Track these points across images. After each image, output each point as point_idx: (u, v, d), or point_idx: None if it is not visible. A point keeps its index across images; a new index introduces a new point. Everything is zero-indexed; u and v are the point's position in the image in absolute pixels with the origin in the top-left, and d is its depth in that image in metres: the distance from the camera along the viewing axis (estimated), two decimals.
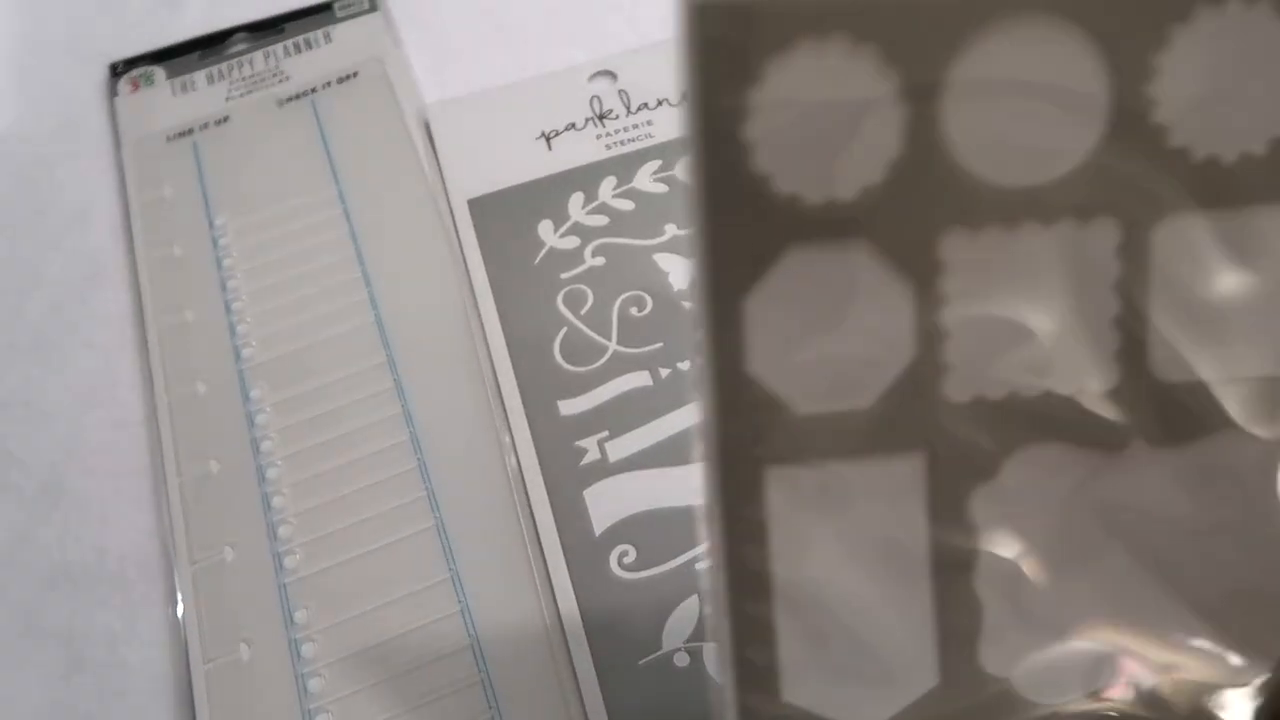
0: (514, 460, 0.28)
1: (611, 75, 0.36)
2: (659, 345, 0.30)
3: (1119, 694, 0.18)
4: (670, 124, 0.34)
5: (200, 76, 0.37)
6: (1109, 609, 0.18)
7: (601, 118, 0.35)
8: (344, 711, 0.25)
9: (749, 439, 0.17)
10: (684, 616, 0.26)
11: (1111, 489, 0.18)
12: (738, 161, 0.15)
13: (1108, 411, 0.17)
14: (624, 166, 0.33)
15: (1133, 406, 0.17)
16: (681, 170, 0.33)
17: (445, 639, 0.26)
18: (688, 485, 0.27)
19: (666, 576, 0.26)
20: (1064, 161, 0.16)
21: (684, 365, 0.29)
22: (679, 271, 0.31)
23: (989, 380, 0.17)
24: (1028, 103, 0.16)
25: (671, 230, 0.32)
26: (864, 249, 0.16)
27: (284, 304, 0.31)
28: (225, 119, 0.35)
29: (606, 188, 0.33)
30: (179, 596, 0.26)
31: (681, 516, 0.27)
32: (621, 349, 0.30)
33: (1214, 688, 0.18)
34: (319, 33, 0.38)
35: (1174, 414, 0.17)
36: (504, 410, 0.29)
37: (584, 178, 0.33)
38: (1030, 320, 0.17)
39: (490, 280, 0.31)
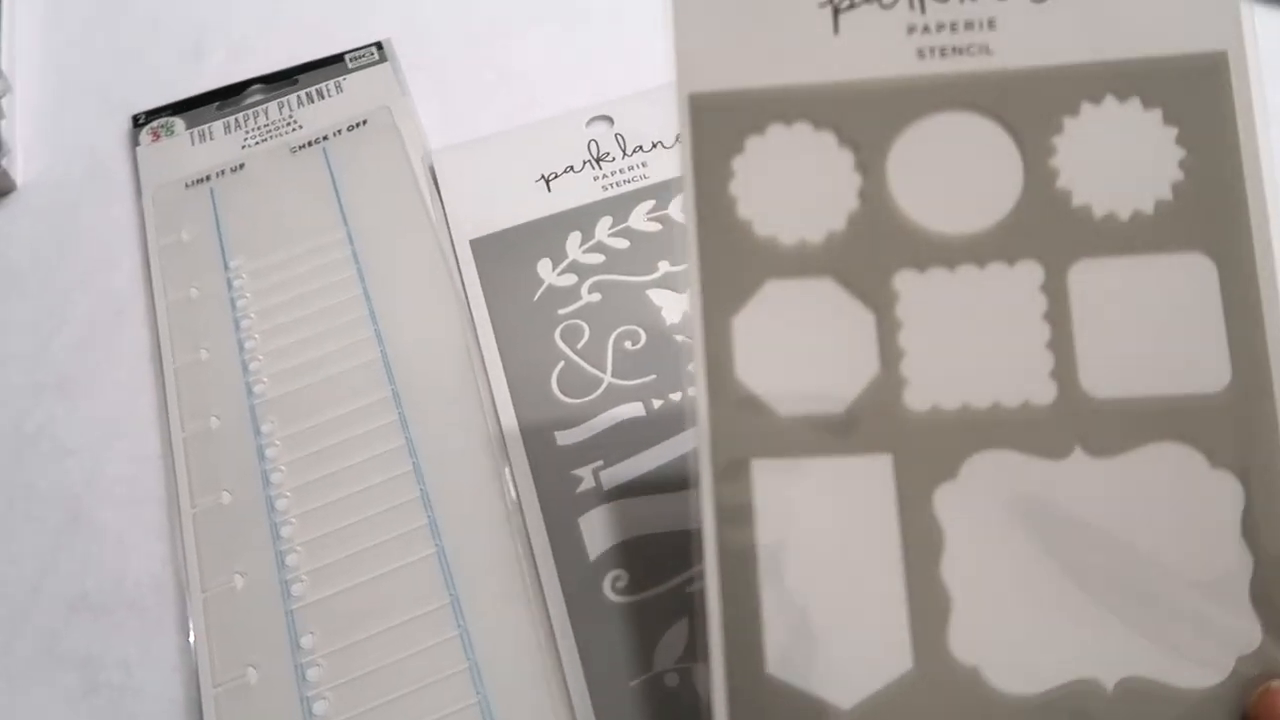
0: (512, 489, 0.29)
1: (609, 119, 0.37)
2: (652, 377, 0.31)
3: (1084, 687, 0.19)
4: (664, 165, 0.35)
5: (218, 126, 0.39)
6: (1067, 605, 0.20)
7: (599, 160, 0.36)
8: None
9: (737, 433, 0.20)
10: (674, 638, 0.27)
11: (1059, 493, 0.20)
12: (724, 210, 0.21)
13: (1050, 423, 0.20)
14: (620, 206, 0.35)
15: (1071, 419, 0.20)
16: (674, 209, 0.34)
17: (445, 662, 0.27)
18: (679, 511, 0.28)
19: (658, 600, 0.27)
20: (990, 216, 0.21)
21: (676, 396, 0.30)
22: (671, 306, 0.32)
23: (944, 393, 0.20)
24: (956, 172, 0.21)
25: (664, 267, 0.33)
26: (830, 281, 0.21)
27: (294, 342, 0.33)
28: (241, 166, 0.37)
29: (603, 227, 0.34)
30: (190, 623, 0.28)
31: (672, 541, 0.28)
32: (616, 381, 0.31)
33: (1171, 686, 0.19)
34: (331, 83, 0.39)
35: (1107, 426, 0.20)
36: (503, 441, 0.30)
37: (581, 218, 0.34)
38: (975, 343, 0.21)
39: (491, 317, 0.32)
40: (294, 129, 0.38)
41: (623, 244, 0.34)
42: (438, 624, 0.27)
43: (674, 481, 0.29)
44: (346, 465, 0.30)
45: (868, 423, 0.21)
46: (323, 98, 0.39)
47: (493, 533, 0.29)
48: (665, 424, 0.30)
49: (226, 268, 0.34)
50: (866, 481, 0.20)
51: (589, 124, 0.37)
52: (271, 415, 0.31)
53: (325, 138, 0.38)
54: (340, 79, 0.39)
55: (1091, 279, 0.20)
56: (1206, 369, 0.20)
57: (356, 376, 0.32)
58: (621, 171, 0.36)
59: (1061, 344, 0.20)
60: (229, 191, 0.36)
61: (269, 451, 0.30)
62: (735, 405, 0.21)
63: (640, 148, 0.36)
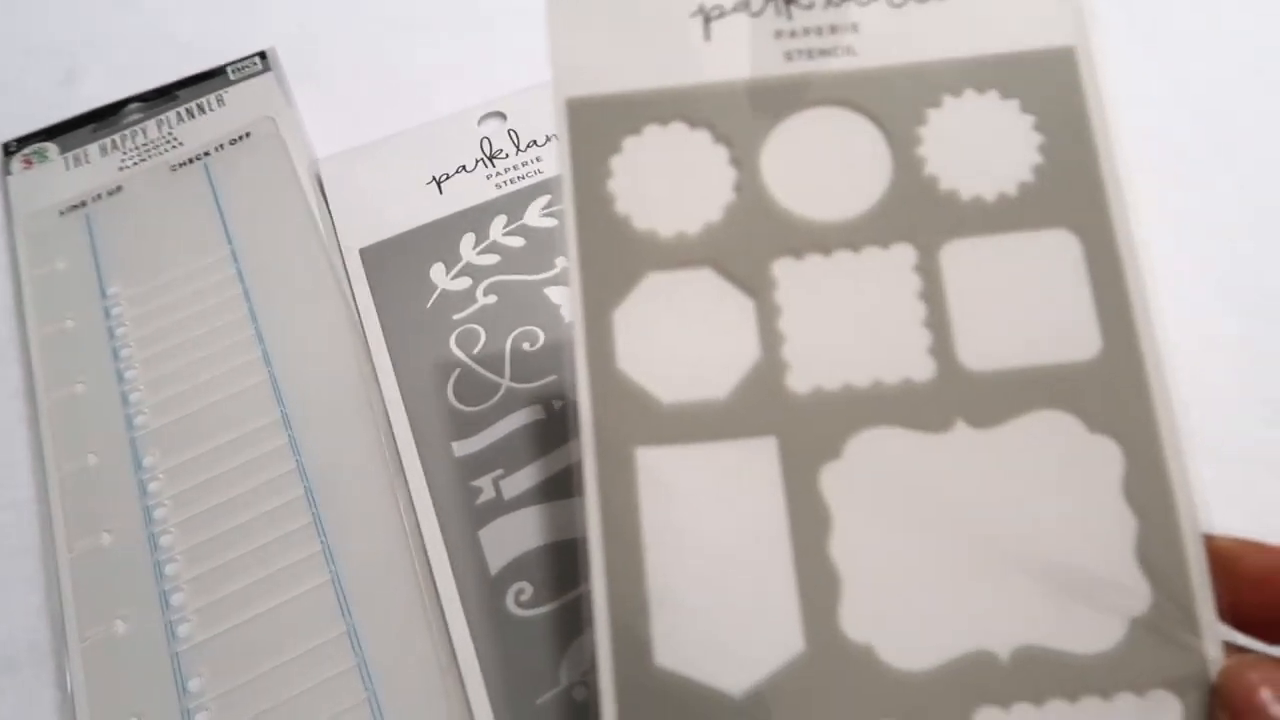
0: (408, 506, 0.28)
1: (501, 116, 0.36)
2: (552, 378, 0.29)
3: (978, 658, 0.19)
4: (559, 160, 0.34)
5: (94, 149, 0.37)
6: (957, 577, 0.20)
7: (492, 158, 0.35)
8: None
9: (620, 423, 0.20)
10: (581, 650, 0.25)
11: (944, 466, 0.20)
12: (603, 207, 0.21)
13: (930, 398, 0.20)
14: (514, 204, 0.33)
15: (951, 393, 0.20)
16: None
17: (342, 695, 0.25)
18: (582, 517, 0.27)
19: (562, 611, 0.26)
20: (862, 203, 0.21)
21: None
22: (570, 304, 0.31)
23: (825, 374, 0.20)
24: (827, 164, 0.21)
25: (562, 263, 0.32)
26: (709, 271, 0.21)
27: (177, 368, 0.31)
28: (118, 189, 0.35)
29: (497, 226, 0.33)
30: (68, 676, 0.26)
31: (576, 549, 0.27)
32: (515, 385, 0.30)
33: (1066, 652, 0.19)
34: (212, 97, 0.38)
35: (986, 398, 0.20)
36: (398, 457, 0.28)
37: (475, 218, 0.33)
38: (853, 324, 0.20)
39: (383, 327, 0.31)
40: (174, 146, 0.36)
41: (518, 242, 0.32)
42: (334, 655, 0.26)
43: (578, 486, 0.28)
44: (234, 494, 0.28)
45: (750, 407, 0.21)
46: (204, 112, 0.37)
47: (390, 554, 0.27)
48: (566, 426, 0.29)
49: (104, 296, 0.33)
50: (751, 465, 0.20)
51: (481, 122, 0.36)
52: (154, 448, 0.29)
53: (207, 153, 0.36)
54: (222, 92, 0.38)
55: (963, 258, 0.21)
56: (1078, 338, 0.20)
57: (243, 400, 0.30)
58: (515, 168, 0.34)
59: (937, 321, 0.21)
60: (106, 216, 0.35)
61: (152, 486, 0.29)
62: (617, 395, 0.21)
63: (534, 142, 0.35)
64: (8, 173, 0.37)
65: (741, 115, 0.22)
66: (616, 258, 0.21)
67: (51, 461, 0.29)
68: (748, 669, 0.19)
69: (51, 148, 0.37)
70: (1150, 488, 0.20)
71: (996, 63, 0.22)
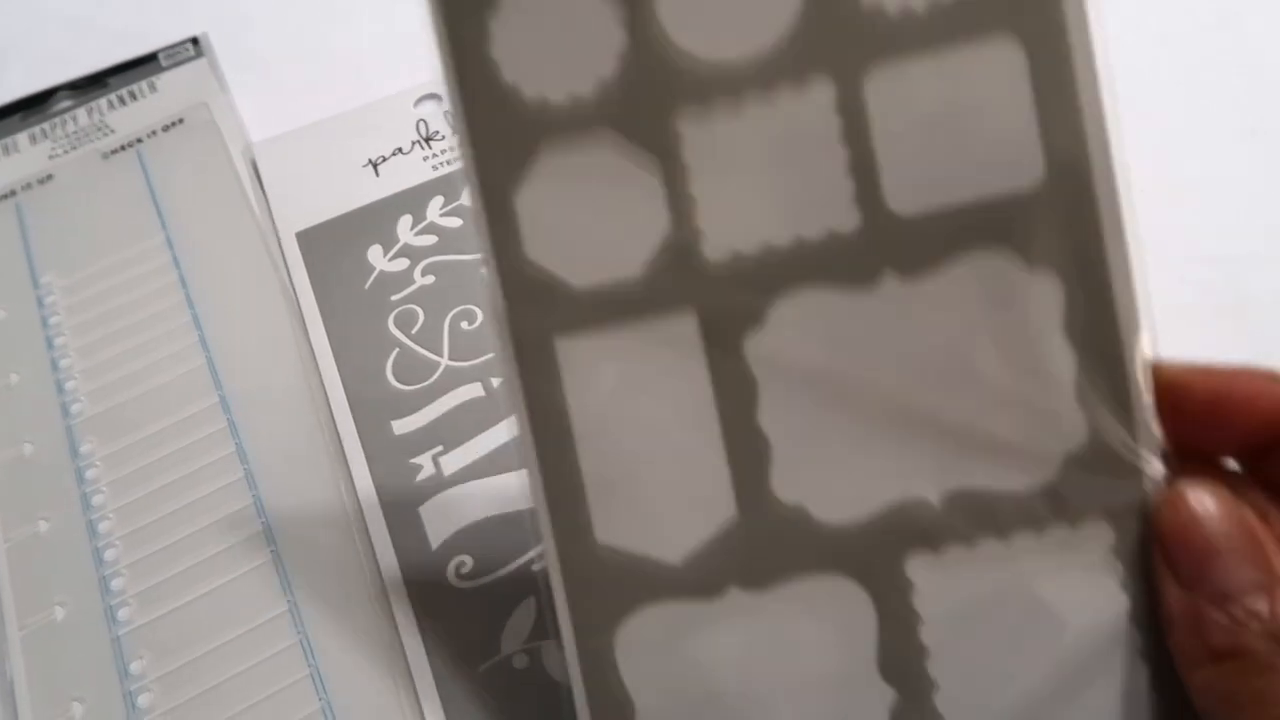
0: (349, 485, 0.28)
1: (437, 97, 0.36)
2: (490, 356, 0.30)
3: (911, 504, 0.20)
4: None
5: (23, 138, 0.36)
6: (889, 430, 0.20)
7: (428, 140, 0.35)
8: None
9: (535, 314, 0.19)
10: (522, 618, 0.26)
11: (873, 320, 0.19)
12: (488, 77, 0.19)
13: (857, 250, 0.19)
14: (451, 185, 0.33)
15: (879, 243, 0.19)
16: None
17: (285, 671, 0.25)
18: (522, 489, 0.27)
19: (503, 581, 0.26)
20: (772, 31, 0.19)
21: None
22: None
23: (742, 236, 0.19)
24: None
25: None
26: (609, 134, 0.19)
27: (114, 355, 0.31)
28: (49, 177, 0.35)
29: (434, 207, 0.33)
30: (7, 663, 0.26)
31: (516, 521, 0.27)
32: (453, 363, 0.30)
33: (1000, 490, 0.19)
34: (144, 83, 0.37)
35: (918, 245, 0.19)
36: (338, 437, 0.29)
37: (412, 200, 0.33)
38: (770, 178, 0.19)
39: (321, 309, 0.31)
40: (106, 134, 0.36)
41: (455, 223, 0.33)
42: (276, 633, 0.26)
43: (516, 460, 0.28)
44: (174, 479, 0.28)
45: (666, 281, 0.20)
46: (135, 99, 0.37)
47: (331, 532, 0.27)
48: (507, 402, 0.29)
49: (36, 285, 0.32)
50: (672, 341, 0.20)
51: (417, 104, 0.36)
52: (91, 435, 0.29)
53: (139, 140, 0.36)
54: (154, 78, 0.37)
55: (889, 89, 0.19)
56: (1018, 165, 0.19)
57: (181, 385, 0.30)
58: (452, 149, 0.34)
59: (862, 165, 0.19)
60: (36, 205, 0.34)
61: (89, 473, 0.29)
62: (528, 285, 0.20)
63: None
64: None
65: None
66: (509, 134, 0.19)
67: None
68: (685, 538, 0.20)
69: None
70: (1093, 319, 0.19)
71: None
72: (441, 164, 0.34)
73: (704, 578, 0.20)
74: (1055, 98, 0.18)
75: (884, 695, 0.20)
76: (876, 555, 0.20)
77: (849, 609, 0.20)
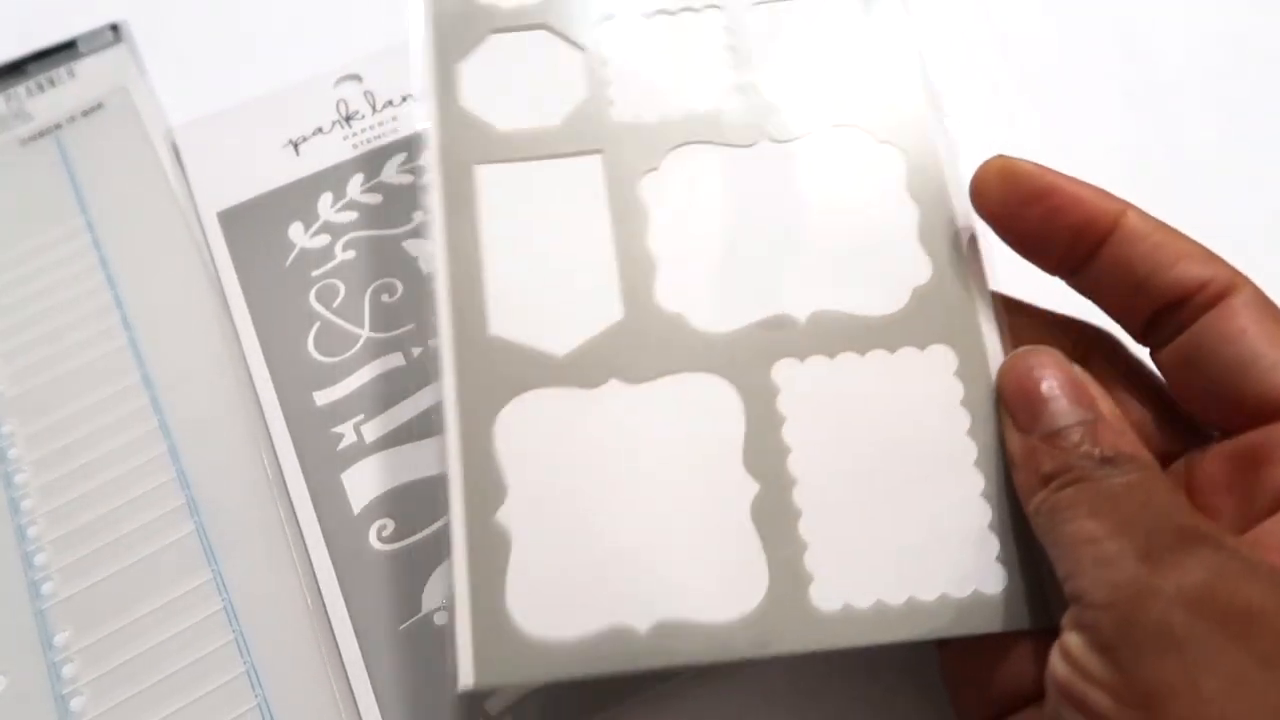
0: (271, 455, 0.28)
1: (357, 78, 0.36)
2: (410, 326, 0.30)
3: (778, 320, 0.23)
4: (414, 119, 0.35)
5: None
6: (762, 260, 0.24)
7: (349, 119, 0.35)
8: None
9: (462, 147, 0.25)
10: (442, 578, 0.26)
11: (750, 172, 0.25)
12: None
13: (737, 121, 0.25)
14: (371, 163, 0.34)
15: (756, 117, 0.25)
16: (426, 160, 0.34)
17: (209, 637, 0.26)
18: (442, 453, 0.28)
19: (424, 543, 0.27)
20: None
21: (434, 342, 0.30)
22: (427, 255, 0.32)
23: (645, 108, 0.26)
24: None
25: (419, 218, 0.32)
26: (544, 31, 0.27)
27: (33, 337, 0.31)
28: None
29: (355, 185, 0.33)
30: None
31: (437, 484, 0.28)
32: (374, 335, 0.30)
33: (857, 314, 0.23)
34: (63, 69, 0.37)
35: (787, 119, 0.25)
36: (260, 409, 0.29)
37: (332, 178, 0.34)
38: (671, 71, 0.26)
39: (242, 286, 0.31)
40: (24, 121, 0.36)
41: (376, 199, 0.33)
42: (200, 601, 0.26)
43: (437, 425, 0.29)
44: (96, 456, 0.29)
45: (579, 130, 0.25)
46: (54, 85, 0.37)
47: (254, 501, 0.28)
48: (426, 371, 0.30)
49: None
50: (580, 176, 0.25)
51: (337, 84, 0.36)
52: (11, 416, 0.29)
53: (58, 126, 0.36)
54: (72, 64, 0.37)
55: (766, 22, 0.27)
56: (866, 69, 0.26)
57: (103, 364, 0.30)
58: (372, 128, 0.35)
59: (742, 66, 0.26)
60: None
61: (11, 453, 0.29)
62: (461, 125, 0.25)
63: (390, 103, 0.35)
64: None
65: None
66: (464, 24, 0.27)
67: None
68: (571, 334, 0.23)
69: None
70: (928, 184, 0.24)
71: None
72: (361, 143, 0.34)
73: (586, 370, 0.23)
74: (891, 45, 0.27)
75: (747, 487, 0.21)
76: (747, 360, 0.23)
77: (719, 406, 0.22)
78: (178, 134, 0.35)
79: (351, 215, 0.33)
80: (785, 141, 0.25)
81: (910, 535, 0.21)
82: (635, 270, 0.23)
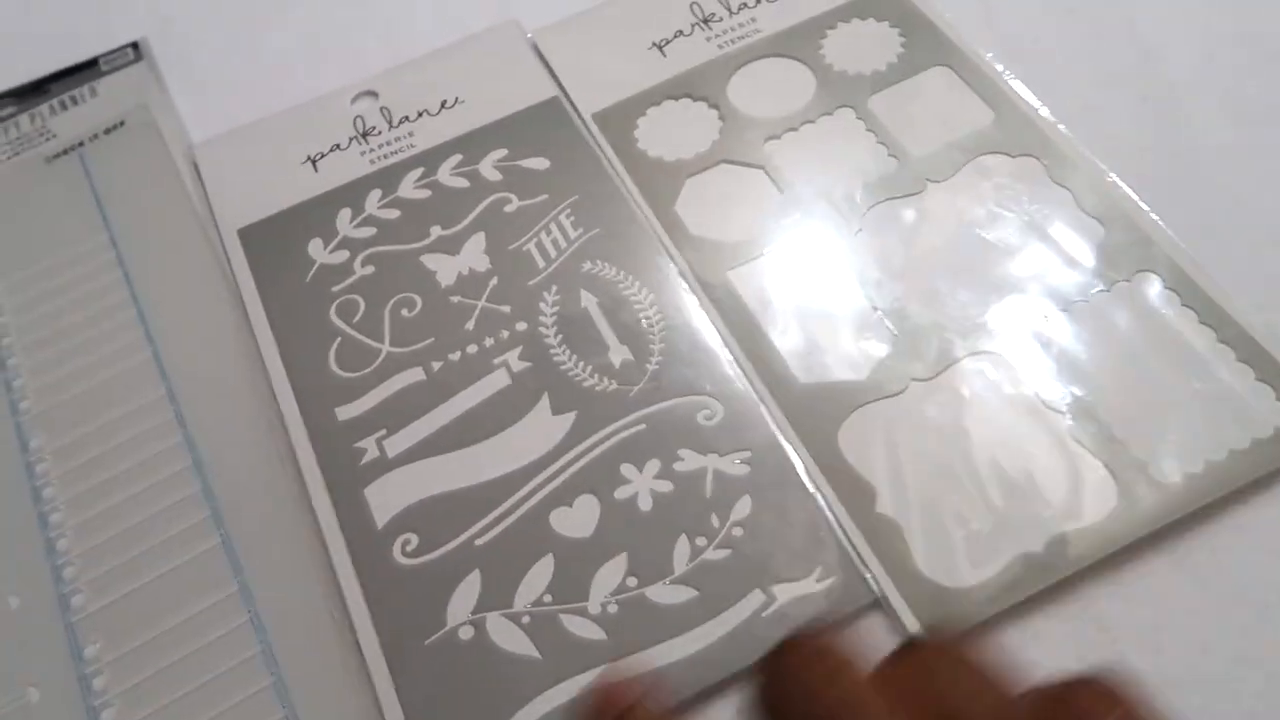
0: (295, 470, 0.29)
1: (373, 95, 0.37)
2: (430, 340, 0.31)
3: None
4: (430, 134, 0.35)
5: None
6: (959, 265, 0.31)
7: (365, 135, 0.36)
8: None
9: (711, 263, 0.32)
10: (467, 592, 0.27)
11: (928, 211, 0.32)
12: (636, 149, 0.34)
13: (904, 175, 0.33)
14: (388, 178, 0.34)
15: (914, 169, 0.33)
16: (443, 175, 0.34)
17: (236, 649, 0.26)
18: (465, 468, 0.28)
19: (448, 556, 0.27)
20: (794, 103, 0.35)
21: (455, 356, 0.30)
22: (446, 269, 0.32)
23: (829, 189, 0.33)
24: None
25: (437, 231, 0.33)
26: (724, 164, 0.34)
27: (60, 352, 0.31)
28: None
29: (372, 200, 0.34)
30: None
31: (459, 498, 0.28)
32: (394, 349, 0.31)
33: None
34: (85, 88, 0.38)
35: (936, 165, 0.33)
36: (283, 424, 0.30)
37: (350, 194, 0.34)
38: (829, 158, 0.34)
39: (263, 302, 0.32)
40: (48, 138, 0.37)
41: (393, 214, 0.34)
42: (226, 613, 0.27)
43: (457, 439, 0.29)
44: (122, 469, 0.29)
45: (785, 221, 0.33)
46: (76, 104, 0.38)
47: (278, 516, 0.28)
48: (446, 385, 0.30)
49: None
50: (796, 250, 0.32)
51: (354, 101, 0.37)
52: (40, 430, 0.30)
53: (81, 144, 0.36)
54: (94, 83, 0.38)
55: None
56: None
57: (128, 379, 0.31)
58: (389, 144, 0.35)
59: (884, 138, 0.34)
60: None
61: (39, 467, 0.29)
62: (696, 249, 0.32)
63: (406, 118, 0.36)
64: None
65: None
66: (664, 177, 0.34)
67: None
68: (860, 361, 0.29)
69: None
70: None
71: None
72: (378, 158, 0.35)
73: (886, 382, 0.29)
74: None
75: (1056, 420, 0.28)
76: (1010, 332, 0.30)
77: (1001, 374, 0.29)
78: (198, 152, 0.36)
79: (370, 231, 0.33)
80: (942, 181, 0.32)
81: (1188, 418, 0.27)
82: (887, 297, 0.30)
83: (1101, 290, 0.29)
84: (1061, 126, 0.33)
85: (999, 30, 0.36)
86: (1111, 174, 0.32)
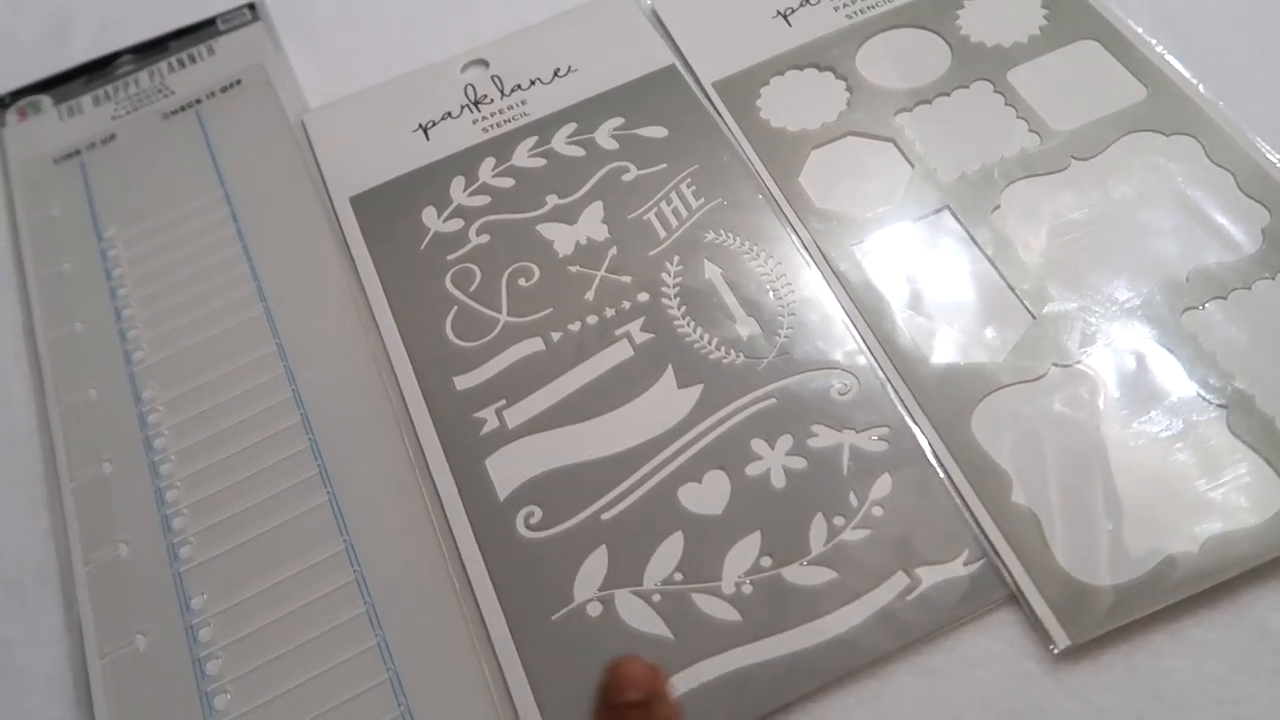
0: (412, 437, 0.28)
1: (484, 63, 0.36)
2: (549, 310, 0.30)
3: None
4: (543, 102, 0.35)
5: (87, 100, 0.37)
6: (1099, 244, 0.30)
7: (477, 103, 0.35)
8: (243, 690, 0.25)
9: (834, 235, 0.31)
10: (594, 567, 0.26)
11: (1072, 189, 0.31)
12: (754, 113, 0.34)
13: (1046, 151, 0.31)
14: (502, 147, 0.34)
15: (1057, 145, 0.32)
16: (557, 143, 0.33)
17: (340, 608, 0.26)
18: (587, 441, 0.27)
19: (573, 530, 0.26)
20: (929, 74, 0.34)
21: (574, 326, 0.29)
22: (563, 239, 0.31)
23: (966, 164, 0.32)
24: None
25: (553, 200, 0.32)
26: (851, 137, 0.33)
27: (173, 305, 0.31)
28: (112, 137, 0.36)
29: (486, 169, 0.33)
30: (76, 596, 0.26)
31: (583, 471, 0.27)
32: (512, 319, 0.30)
33: None
34: (203, 46, 0.38)
35: (1080, 141, 0.31)
36: (399, 390, 0.29)
37: (463, 162, 0.33)
38: (966, 133, 0.32)
39: (378, 269, 0.31)
40: (166, 95, 0.37)
41: (508, 183, 0.33)
42: (332, 571, 0.26)
43: (581, 411, 0.28)
44: (232, 423, 0.29)
45: (922, 195, 0.31)
46: (194, 62, 0.38)
47: (393, 480, 0.27)
48: (566, 356, 0.29)
49: (100, 239, 0.33)
50: (937, 229, 0.30)
51: (464, 69, 0.36)
52: (152, 381, 0.30)
53: (198, 101, 0.36)
54: (212, 42, 0.38)
55: None
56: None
57: (239, 334, 0.30)
58: (501, 112, 0.35)
59: (1024, 112, 0.32)
60: (100, 163, 0.35)
61: (151, 417, 0.29)
62: (822, 220, 0.31)
63: (519, 86, 0.35)
64: (3, 124, 0.37)
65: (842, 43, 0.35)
66: (789, 148, 0.33)
67: (52, 395, 0.30)
68: (996, 345, 0.28)
69: (45, 100, 0.37)
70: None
71: None
72: (491, 126, 0.34)
73: (1026, 367, 0.27)
74: None
75: (1213, 412, 0.26)
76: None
77: (1156, 361, 0.27)
78: (308, 120, 0.35)
79: (484, 199, 0.33)
80: (1088, 159, 0.30)
81: None
82: (1025, 278, 0.28)
83: (1265, 277, 0.27)
84: (1221, 104, 0.31)
85: (1152, 1, 0.34)
86: (1276, 156, 0.30)
